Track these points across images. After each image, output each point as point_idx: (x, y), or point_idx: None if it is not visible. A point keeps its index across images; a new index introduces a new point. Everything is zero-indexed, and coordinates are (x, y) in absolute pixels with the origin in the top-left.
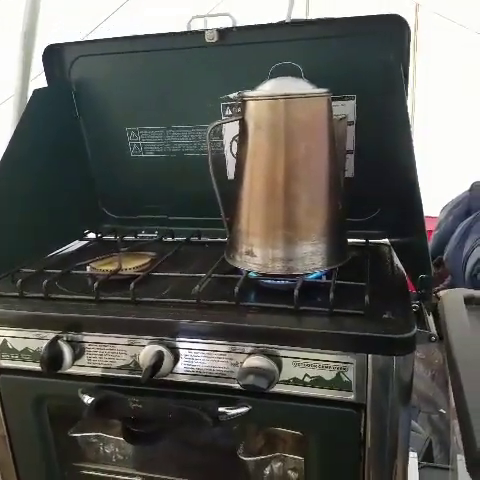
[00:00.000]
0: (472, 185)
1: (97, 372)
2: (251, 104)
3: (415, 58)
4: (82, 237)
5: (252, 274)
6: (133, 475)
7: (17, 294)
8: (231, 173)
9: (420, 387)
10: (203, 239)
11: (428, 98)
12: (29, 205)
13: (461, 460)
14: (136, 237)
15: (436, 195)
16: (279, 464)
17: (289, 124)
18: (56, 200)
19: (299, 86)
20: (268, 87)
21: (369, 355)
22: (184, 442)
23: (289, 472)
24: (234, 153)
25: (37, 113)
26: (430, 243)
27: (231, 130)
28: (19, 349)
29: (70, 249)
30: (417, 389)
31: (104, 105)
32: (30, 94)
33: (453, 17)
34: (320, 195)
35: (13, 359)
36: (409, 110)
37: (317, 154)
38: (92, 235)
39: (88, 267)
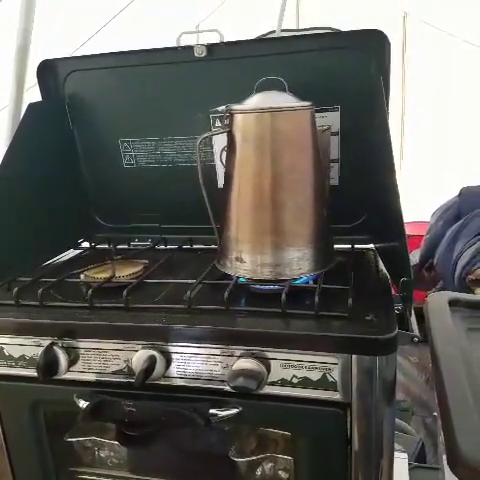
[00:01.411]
0: (461, 190)
1: (91, 377)
2: (238, 117)
3: (404, 66)
4: (76, 246)
5: (242, 279)
6: (128, 478)
7: (13, 302)
8: (221, 182)
9: (415, 391)
10: (195, 246)
11: (418, 106)
12: (24, 215)
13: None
14: (129, 245)
15: (427, 200)
16: (270, 465)
17: (275, 136)
18: (51, 210)
19: (284, 99)
20: (254, 101)
21: (353, 355)
22: (177, 445)
23: (280, 472)
24: (224, 163)
25: (32, 126)
26: (421, 247)
27: (221, 141)
28: (16, 356)
29: (65, 258)
30: (411, 393)
31: (97, 117)
32: (25, 105)
33: (441, 26)
34: (305, 203)
35: (10, 366)
36: (399, 118)
37: (302, 164)
38: (86, 244)
39: (82, 275)
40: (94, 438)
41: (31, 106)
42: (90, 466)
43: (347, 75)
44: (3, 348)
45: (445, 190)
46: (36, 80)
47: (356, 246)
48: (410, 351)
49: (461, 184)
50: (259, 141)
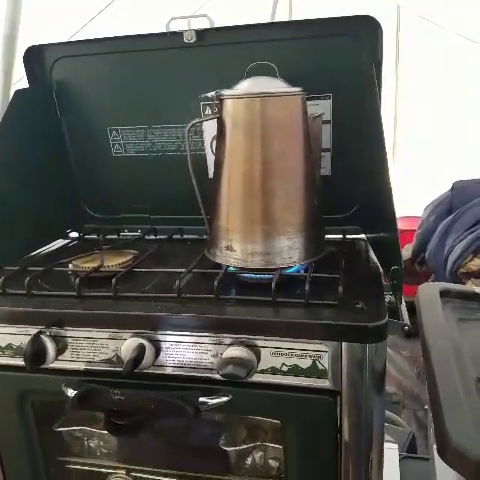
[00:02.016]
0: (453, 184)
1: (80, 366)
2: (228, 103)
3: (397, 59)
4: (65, 236)
5: (231, 268)
6: (117, 468)
7: (0, 291)
8: (212, 172)
9: (406, 384)
10: (185, 237)
11: (411, 100)
12: (11, 205)
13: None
14: (119, 236)
15: (420, 195)
16: (260, 454)
17: (265, 122)
18: (39, 200)
19: (274, 85)
20: (244, 86)
21: (343, 343)
22: (167, 434)
23: (270, 461)
24: (214, 152)
25: (19, 114)
26: (413, 242)
27: (211, 129)
28: (2, 345)
29: (52, 248)
30: (403, 386)
31: (85, 105)
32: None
33: (434, 19)
34: (296, 191)
35: None
36: (392, 110)
37: (292, 151)
38: (75, 234)
39: (70, 265)
40: (83, 428)
41: (18, 93)
42: (79, 456)
43: (339, 62)
44: None
45: (438, 185)
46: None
47: (347, 236)
48: (402, 345)
49: (454, 179)
50: (249, 127)
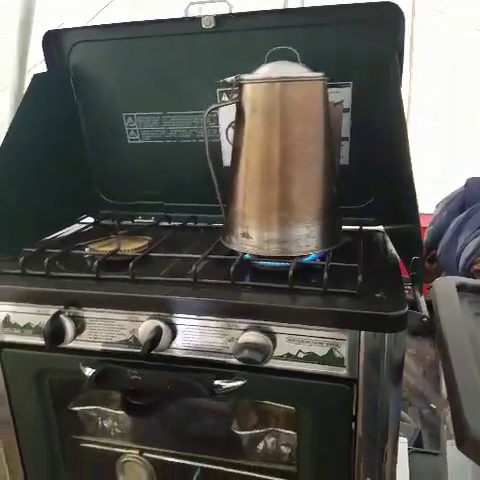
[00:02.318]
0: (467, 181)
1: (97, 346)
2: (248, 87)
3: (412, 50)
4: (80, 222)
5: (247, 256)
6: (130, 448)
7: (19, 271)
8: (226, 160)
9: (412, 382)
10: (199, 225)
11: (424, 93)
12: (27, 190)
13: (452, 445)
14: (132, 222)
15: (432, 191)
16: (272, 439)
17: (285, 107)
18: (54, 185)
19: (295, 69)
20: (264, 71)
21: (361, 332)
22: (181, 416)
23: (282, 447)
24: (230, 140)
25: (37, 98)
26: (424, 239)
27: (227, 117)
28: (21, 324)
29: (68, 233)
30: (409, 384)
31: (102, 91)
32: (28, 82)
33: (450, 11)
34: (315, 178)
35: (15, 334)
36: (405, 103)
37: (312, 137)
38: (90, 220)
39: (87, 248)
40: (98, 407)
41: (36, 77)
42: (93, 435)
43: (360, 50)
44: (9, 316)
45: (451, 181)
46: (39, 57)
47: (364, 228)
48: (408, 343)
49: (467, 175)
50: (269, 112)
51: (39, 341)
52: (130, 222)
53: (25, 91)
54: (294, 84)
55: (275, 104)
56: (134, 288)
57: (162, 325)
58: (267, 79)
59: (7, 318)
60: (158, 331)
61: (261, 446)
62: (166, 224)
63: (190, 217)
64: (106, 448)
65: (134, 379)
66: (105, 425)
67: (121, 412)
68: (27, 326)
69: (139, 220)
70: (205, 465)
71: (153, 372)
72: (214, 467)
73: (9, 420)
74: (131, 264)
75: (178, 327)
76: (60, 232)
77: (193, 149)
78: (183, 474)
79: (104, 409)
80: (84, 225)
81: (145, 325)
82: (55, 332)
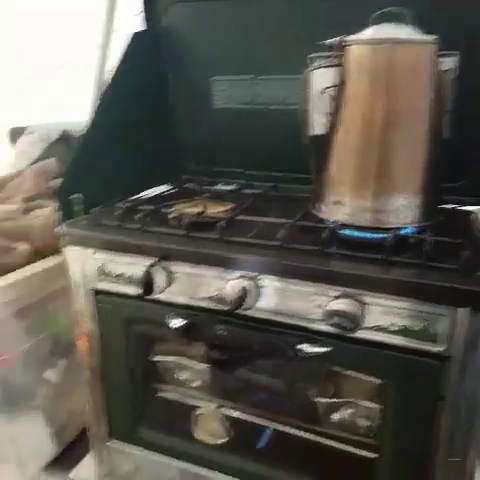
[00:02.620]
0: None
1: (185, 300)
2: (353, 49)
3: None
4: (161, 185)
5: (338, 225)
6: (207, 401)
7: (117, 224)
8: (315, 128)
9: None
10: (281, 194)
11: None
12: (115, 152)
13: None
14: (213, 188)
15: None
16: (350, 411)
17: (392, 70)
18: (142, 146)
19: (404, 32)
20: (370, 32)
21: (460, 309)
22: (260, 375)
23: (359, 419)
24: (320, 107)
25: (134, 56)
26: None
27: (318, 83)
28: (115, 273)
29: (151, 195)
30: None
31: (192, 53)
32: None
33: None
34: (419, 147)
35: (110, 282)
36: None
37: (419, 103)
38: (170, 185)
39: (174, 208)
40: (179, 359)
41: (136, 35)
42: (171, 385)
43: (473, 18)
44: (105, 265)
45: None
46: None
47: (459, 207)
48: None
49: None
50: (375, 75)
51: (130, 290)
52: (210, 188)
53: (122, 49)
54: (402, 47)
55: (382, 67)
56: (224, 247)
57: (249, 285)
58: (375, 40)
59: (103, 267)
60: (245, 291)
61: (337, 416)
62: (248, 191)
63: (270, 187)
64: (183, 399)
65: (219, 334)
66: (183, 377)
67: (200, 365)
68: (121, 275)
69: (219, 187)
70: (279, 426)
71: (239, 329)
72: (287, 430)
73: (98, 361)
74: (223, 223)
75: (265, 289)
76: (143, 193)
77: (282, 116)
78: (256, 433)
79: (184, 362)
80: (166, 188)
81: (233, 284)
82: (148, 283)
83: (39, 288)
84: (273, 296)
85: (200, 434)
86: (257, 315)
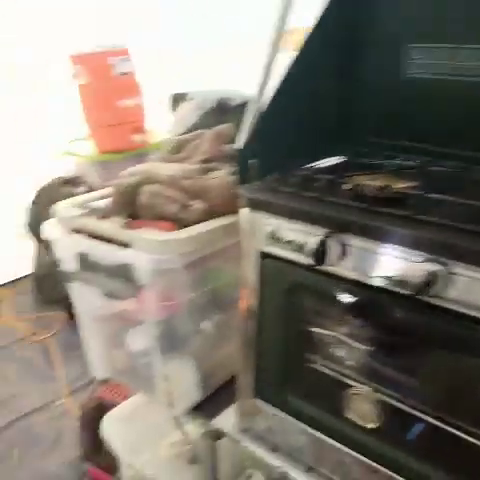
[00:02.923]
0: None
1: (358, 277)
2: None
3: None
4: (335, 156)
5: None
6: (363, 383)
7: (293, 190)
8: None
9: None
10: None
11: None
12: (296, 119)
13: None
14: (389, 162)
15: None
16: None
17: None
18: (321, 117)
19: None
20: None
21: None
22: (428, 366)
23: None
24: None
25: (335, 20)
26: None
27: None
28: (286, 239)
29: (324, 165)
30: None
31: (389, 17)
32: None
33: None
34: None
35: (278, 247)
36: None
37: None
38: (344, 157)
39: (351, 179)
40: (338, 335)
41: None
42: (325, 359)
43: None
44: (276, 230)
45: None
46: None
47: None
48: None
49: None
50: None
51: (299, 258)
52: (389, 161)
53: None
54: None
55: None
56: (414, 226)
57: (438, 270)
58: None
59: (273, 231)
60: (431, 276)
61: None
62: (434, 169)
63: (462, 166)
64: (334, 375)
65: (395, 317)
66: (339, 354)
67: (359, 345)
68: (291, 242)
69: (397, 162)
70: (435, 422)
71: (420, 316)
72: (443, 426)
73: (253, 327)
74: (414, 200)
75: (459, 278)
76: (317, 163)
77: None
78: (407, 424)
79: (343, 338)
80: (341, 160)
81: (417, 266)
82: (321, 252)
83: (211, 244)
84: (470, 288)
85: (350, 414)
86: (445, 305)
